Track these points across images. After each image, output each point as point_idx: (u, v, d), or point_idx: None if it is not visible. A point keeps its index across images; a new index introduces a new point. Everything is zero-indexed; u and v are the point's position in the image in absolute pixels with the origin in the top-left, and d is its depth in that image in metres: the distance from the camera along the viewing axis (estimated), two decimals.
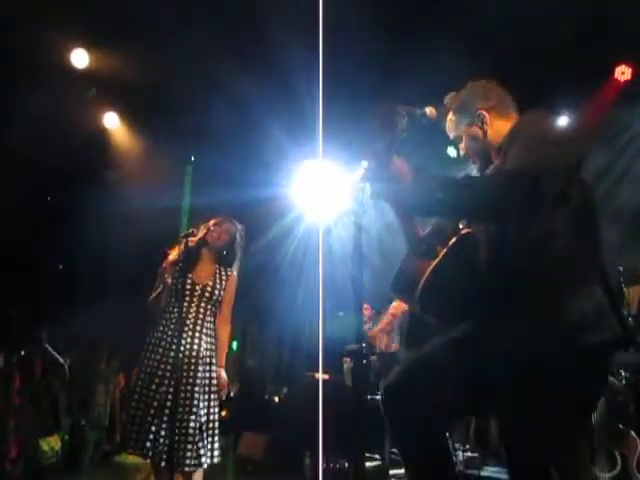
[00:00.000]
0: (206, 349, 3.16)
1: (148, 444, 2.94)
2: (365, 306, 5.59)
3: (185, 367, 3.05)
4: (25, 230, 6.36)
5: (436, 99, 1.98)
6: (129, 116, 6.60)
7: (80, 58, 5.77)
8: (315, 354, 4.52)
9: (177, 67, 5.30)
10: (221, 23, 4.91)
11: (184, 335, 3.09)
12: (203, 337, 3.17)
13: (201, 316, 3.20)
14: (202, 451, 3.01)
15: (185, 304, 3.16)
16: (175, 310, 3.13)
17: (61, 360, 5.94)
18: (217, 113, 5.68)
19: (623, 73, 5.75)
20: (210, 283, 3.26)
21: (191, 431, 2.97)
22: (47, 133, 5.76)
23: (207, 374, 3.13)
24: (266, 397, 7.19)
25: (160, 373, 3.05)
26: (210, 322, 3.24)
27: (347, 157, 5.24)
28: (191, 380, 3.05)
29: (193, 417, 3.00)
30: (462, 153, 1.94)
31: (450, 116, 1.93)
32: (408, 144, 1.85)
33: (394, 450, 3.65)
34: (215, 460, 3.09)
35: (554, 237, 1.58)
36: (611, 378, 3.44)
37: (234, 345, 7.91)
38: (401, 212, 1.87)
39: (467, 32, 4.86)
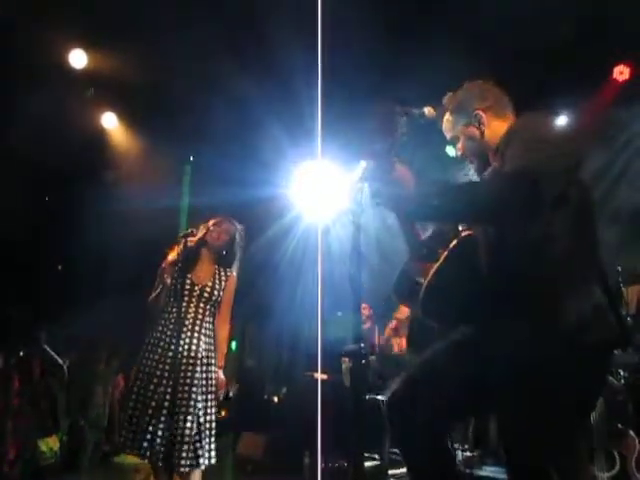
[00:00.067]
0: (205, 349, 3.16)
1: (145, 444, 2.93)
2: (364, 306, 5.59)
3: (183, 367, 3.05)
4: (24, 230, 6.35)
5: (435, 99, 1.98)
6: (127, 116, 6.60)
7: (78, 58, 5.78)
8: (314, 354, 4.52)
9: (176, 67, 5.30)
10: (220, 23, 4.91)
11: (183, 335, 3.09)
12: (202, 337, 3.16)
13: (200, 316, 3.20)
14: (200, 452, 3.00)
15: (184, 304, 3.15)
16: (174, 310, 3.13)
17: (60, 361, 5.93)
18: (216, 113, 5.68)
19: (622, 73, 5.76)
20: (209, 283, 3.26)
21: (188, 432, 2.97)
22: (46, 133, 5.76)
23: (205, 374, 3.13)
24: (265, 397, 7.19)
25: (158, 373, 3.05)
26: (209, 322, 3.24)
27: (346, 157, 5.25)
28: (189, 380, 3.04)
29: (191, 417, 2.99)
30: (459, 153, 1.94)
31: (447, 116, 1.93)
32: (407, 144, 1.86)
33: (393, 450, 3.65)
34: (212, 461, 3.09)
35: (553, 238, 1.58)
36: (610, 378, 3.44)
37: (233, 345, 7.91)
38: (402, 217, 1.87)
39: (467, 32, 4.87)
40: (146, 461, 3.11)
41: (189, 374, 3.06)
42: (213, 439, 3.11)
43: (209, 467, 3.13)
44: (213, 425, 3.12)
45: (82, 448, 5.68)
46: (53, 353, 5.89)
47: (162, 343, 3.11)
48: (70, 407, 5.84)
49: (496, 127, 1.84)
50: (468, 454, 4.38)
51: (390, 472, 3.54)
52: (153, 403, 2.99)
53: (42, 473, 4.79)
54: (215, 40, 4.95)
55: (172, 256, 3.16)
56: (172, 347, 3.03)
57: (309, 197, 6.57)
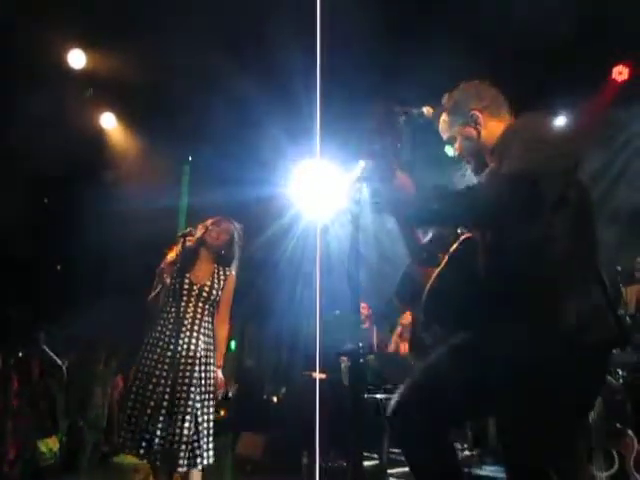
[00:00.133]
0: (204, 349, 3.16)
1: (144, 444, 2.93)
2: (362, 305, 5.60)
3: (182, 367, 3.05)
4: (23, 230, 6.35)
5: (434, 99, 1.98)
6: (126, 116, 6.60)
7: (77, 58, 5.77)
8: (313, 353, 4.52)
9: (174, 67, 5.30)
10: (219, 23, 4.91)
11: (182, 335, 3.09)
12: (201, 337, 3.16)
13: (199, 316, 3.20)
14: (198, 451, 3.00)
15: (183, 304, 3.15)
16: (173, 310, 3.12)
17: (59, 362, 5.93)
18: (215, 113, 5.68)
19: (621, 73, 5.77)
20: (208, 283, 3.25)
21: (186, 431, 2.96)
22: (45, 133, 5.75)
23: (204, 374, 3.13)
24: (264, 397, 7.19)
25: (157, 373, 3.05)
26: (208, 322, 3.24)
27: (345, 156, 5.25)
28: (187, 380, 3.04)
29: (189, 417, 2.99)
30: (456, 154, 1.94)
31: (443, 117, 1.94)
32: (406, 144, 1.86)
33: (392, 449, 3.65)
34: (210, 460, 3.09)
35: (553, 239, 1.58)
36: (608, 377, 3.45)
37: (232, 345, 7.91)
38: (402, 222, 1.88)
39: (466, 32, 4.87)
40: (145, 461, 3.11)
41: (188, 374, 3.06)
42: (211, 439, 3.11)
43: (208, 467, 3.13)
44: (211, 425, 3.12)
45: (81, 449, 5.67)
46: (52, 354, 5.88)
47: (161, 343, 3.11)
48: (69, 408, 5.83)
49: (493, 127, 1.84)
50: (467, 453, 4.38)
51: (389, 471, 3.54)
52: (152, 403, 2.99)
53: (42, 473, 4.78)
54: (213, 40, 4.95)
55: (171, 256, 3.16)
56: (171, 347, 3.02)
57: (308, 196, 6.57)
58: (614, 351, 1.68)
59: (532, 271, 1.57)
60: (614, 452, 3.03)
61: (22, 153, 5.76)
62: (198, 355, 3.11)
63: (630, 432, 3.08)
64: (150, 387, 3.02)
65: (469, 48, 4.82)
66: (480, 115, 1.85)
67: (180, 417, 2.96)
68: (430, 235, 1.91)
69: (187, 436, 2.96)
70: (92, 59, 5.79)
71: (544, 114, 1.85)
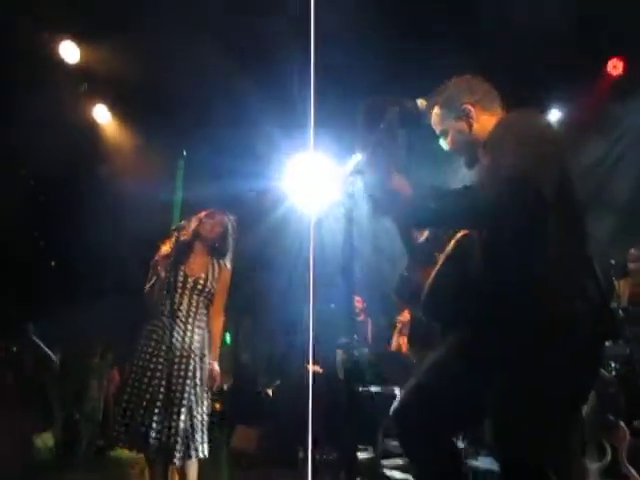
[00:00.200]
0: (199, 342, 3.16)
1: (140, 438, 2.93)
2: (357, 299, 5.60)
3: (177, 360, 3.05)
4: (16, 226, 6.32)
5: (429, 93, 1.98)
6: (120, 110, 6.56)
7: (71, 52, 5.73)
8: (308, 346, 4.53)
9: (169, 61, 5.27)
10: (214, 18, 4.88)
11: (176, 328, 3.09)
12: (196, 330, 3.16)
13: (193, 309, 3.19)
14: (192, 444, 3.01)
15: (177, 297, 3.15)
16: (167, 303, 3.12)
17: (52, 356, 5.92)
18: (209, 107, 5.66)
19: (615, 67, 5.78)
20: (203, 275, 3.25)
21: (182, 424, 2.97)
22: (38, 129, 5.72)
23: (199, 366, 3.13)
24: (259, 390, 7.20)
25: (152, 366, 3.05)
26: (203, 315, 3.24)
27: (338, 150, 5.24)
28: (182, 373, 3.04)
29: (185, 410, 3.00)
30: (448, 147, 1.95)
31: (436, 110, 1.94)
32: (399, 136, 1.86)
33: (386, 441, 3.67)
34: (206, 453, 3.09)
35: (548, 235, 1.59)
36: (601, 370, 3.47)
37: (227, 338, 7.92)
38: (400, 223, 1.88)
39: (461, 27, 4.87)
40: (141, 455, 3.12)
41: (183, 367, 3.06)
42: (206, 431, 3.11)
43: (204, 460, 3.14)
44: (206, 417, 3.13)
45: (77, 442, 5.67)
46: (45, 347, 5.87)
47: (155, 336, 3.11)
48: (65, 401, 5.83)
49: (485, 121, 1.86)
50: (461, 444, 4.40)
51: (383, 463, 3.56)
52: (147, 396, 2.99)
53: (38, 469, 4.78)
54: (209, 34, 4.92)
55: (165, 249, 3.15)
56: (166, 340, 3.02)
57: (302, 190, 6.57)
58: (607, 344, 1.69)
59: (527, 267, 1.58)
60: (606, 444, 3.05)
61: (16, 149, 5.73)
62: (193, 348, 3.11)
63: (622, 424, 3.10)
64: (145, 380, 3.03)
65: (464, 43, 4.82)
66: (472, 109, 1.87)
67: (176, 410, 2.96)
68: (426, 234, 1.92)
69: (183, 429, 2.96)
70: (86, 53, 5.75)
71: (536, 110, 1.86)
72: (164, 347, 3.03)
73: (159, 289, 3.18)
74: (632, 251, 4.63)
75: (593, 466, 3.02)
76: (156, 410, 2.93)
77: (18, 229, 6.32)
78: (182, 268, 3.20)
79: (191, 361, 3.09)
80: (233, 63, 5.07)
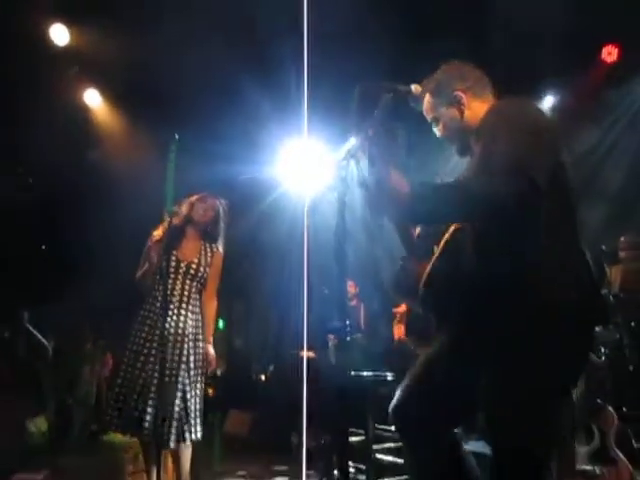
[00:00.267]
0: (192, 326, 3.17)
1: (134, 422, 2.96)
2: (350, 284, 5.61)
3: (171, 345, 3.06)
4: (5, 210, 6.26)
5: (423, 77, 1.97)
6: (111, 94, 6.49)
7: (60, 34, 5.65)
8: (301, 331, 4.54)
9: (161, 44, 5.20)
10: (206, 1, 4.82)
11: (170, 313, 3.10)
12: (189, 314, 3.17)
13: (186, 293, 3.20)
14: (186, 427, 3.03)
15: (170, 282, 3.15)
16: (160, 288, 3.12)
17: (44, 341, 5.92)
18: (201, 91, 5.61)
19: (610, 54, 5.76)
20: (195, 260, 3.25)
21: (177, 408, 2.99)
22: (27, 112, 5.66)
23: (193, 350, 3.14)
24: (252, 375, 7.24)
25: (146, 351, 3.06)
26: (196, 299, 3.24)
27: (332, 134, 5.22)
28: (177, 357, 3.06)
29: (180, 394, 3.01)
30: (439, 134, 1.95)
31: (427, 97, 1.94)
32: (393, 121, 1.85)
33: (378, 426, 3.70)
34: (199, 435, 3.11)
35: (541, 224, 1.59)
36: (591, 355, 3.50)
37: (220, 324, 7.93)
38: (396, 220, 1.88)
39: (454, 11, 4.84)
40: (135, 439, 3.13)
41: (177, 351, 3.07)
42: (200, 414, 3.13)
43: (197, 445, 3.16)
44: (199, 400, 3.14)
45: (70, 427, 5.69)
46: (37, 333, 5.87)
47: (149, 321, 3.12)
48: (57, 387, 5.84)
49: (476, 108, 1.85)
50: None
51: (375, 447, 3.59)
52: (141, 381, 3.01)
53: (31, 453, 4.79)
54: (201, 17, 4.86)
55: (157, 234, 3.15)
56: (159, 325, 3.03)
57: (295, 175, 6.55)
58: (597, 329, 1.71)
59: (520, 256, 1.58)
60: (595, 428, 3.09)
61: (4, 133, 5.67)
62: (187, 332, 3.12)
63: (610, 408, 3.14)
64: (139, 365, 3.04)
65: (457, 28, 4.79)
66: (464, 96, 1.86)
67: (170, 394, 2.98)
68: (418, 230, 1.92)
69: (177, 413, 2.98)
70: (75, 35, 5.67)
71: (528, 98, 1.85)
72: (157, 332, 3.04)
73: (152, 274, 3.18)
74: (623, 239, 4.65)
75: (581, 450, 3.06)
76: (150, 395, 2.94)
77: (7, 214, 6.27)
78: (174, 253, 3.20)
79: (185, 345, 3.10)
80: (226, 47, 5.02)
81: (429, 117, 1.96)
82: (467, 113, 1.86)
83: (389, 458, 3.69)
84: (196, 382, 3.13)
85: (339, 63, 4.72)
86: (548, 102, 6.13)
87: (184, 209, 3.28)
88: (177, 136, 6.75)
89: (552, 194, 1.58)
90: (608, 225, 5.26)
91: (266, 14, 4.66)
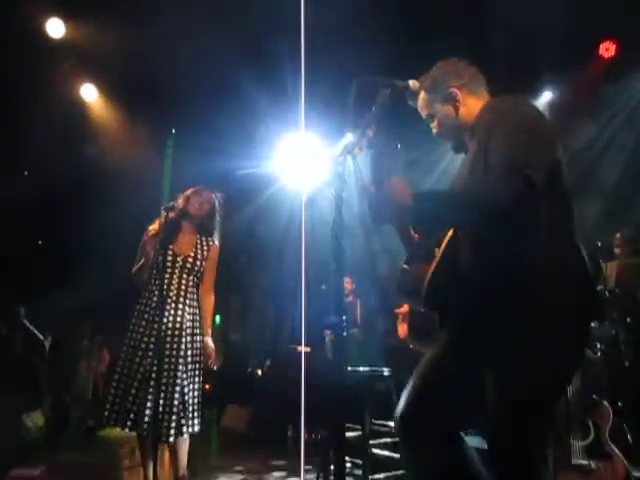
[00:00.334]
0: (190, 320, 3.17)
1: (132, 416, 2.96)
2: (346, 280, 5.63)
3: (169, 339, 3.05)
4: (2, 206, 6.25)
5: (420, 73, 1.97)
6: (108, 88, 6.46)
7: (56, 28, 5.62)
8: (298, 327, 4.55)
9: (158, 39, 5.18)
10: None
11: (167, 307, 3.09)
12: (186, 308, 3.17)
13: (183, 287, 3.19)
14: (183, 420, 3.03)
15: (167, 276, 3.14)
16: (157, 282, 3.12)
17: (41, 337, 5.92)
18: (199, 86, 5.59)
19: (607, 50, 5.76)
20: (191, 254, 3.25)
21: (176, 402, 2.99)
22: (23, 107, 5.63)
23: (191, 344, 3.14)
24: (249, 370, 7.25)
25: (143, 346, 3.06)
26: (193, 293, 3.24)
27: (329, 129, 5.22)
28: (175, 352, 3.05)
29: (178, 388, 3.01)
30: (435, 131, 1.95)
31: (422, 95, 1.93)
32: (390, 117, 1.85)
33: (374, 420, 3.71)
34: (196, 429, 3.12)
35: (538, 224, 1.59)
36: (587, 350, 3.51)
37: (217, 319, 7.94)
38: (399, 226, 1.89)
39: (453, 7, 4.83)
40: (132, 433, 3.13)
41: (175, 345, 3.07)
42: (197, 407, 3.13)
43: (194, 440, 3.16)
44: (197, 394, 3.15)
45: (67, 422, 5.70)
46: (34, 329, 5.86)
47: (146, 316, 3.12)
48: (54, 382, 5.85)
49: (471, 105, 1.85)
50: None
51: (371, 442, 3.60)
52: (139, 376, 3.00)
53: (28, 448, 4.79)
54: (198, 11, 4.84)
55: (153, 228, 3.14)
56: (157, 319, 3.02)
57: (292, 169, 6.54)
58: (592, 325, 1.71)
59: (517, 256, 1.58)
60: (590, 423, 3.11)
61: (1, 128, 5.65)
62: (184, 327, 3.12)
63: (606, 403, 3.15)
64: (137, 360, 3.04)
65: (455, 24, 4.78)
66: (459, 93, 1.86)
67: (170, 389, 2.98)
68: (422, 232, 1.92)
69: (176, 406, 2.98)
70: (71, 29, 5.64)
71: (523, 97, 1.85)
72: (155, 326, 3.03)
73: (148, 269, 3.17)
74: (618, 235, 4.67)
75: (577, 445, 3.08)
76: (149, 389, 2.94)
77: (4, 213, 6.25)
78: (171, 247, 3.19)
79: (183, 339, 3.10)
80: (223, 42, 5.00)
81: (424, 114, 1.95)
82: (462, 110, 1.86)
83: (385, 453, 3.71)
84: (194, 376, 3.14)
85: (336, 58, 4.71)
86: (546, 98, 6.13)
87: (180, 203, 3.27)
88: (174, 131, 6.75)
89: (548, 192, 1.58)
90: (604, 221, 5.27)
91: (264, 9, 4.64)
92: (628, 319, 4.16)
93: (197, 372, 3.16)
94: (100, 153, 6.69)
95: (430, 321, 1.90)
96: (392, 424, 3.72)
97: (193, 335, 3.17)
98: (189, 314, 3.17)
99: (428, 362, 1.81)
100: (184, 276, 3.20)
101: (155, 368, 2.94)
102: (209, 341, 3.24)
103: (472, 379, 1.65)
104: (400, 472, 3.44)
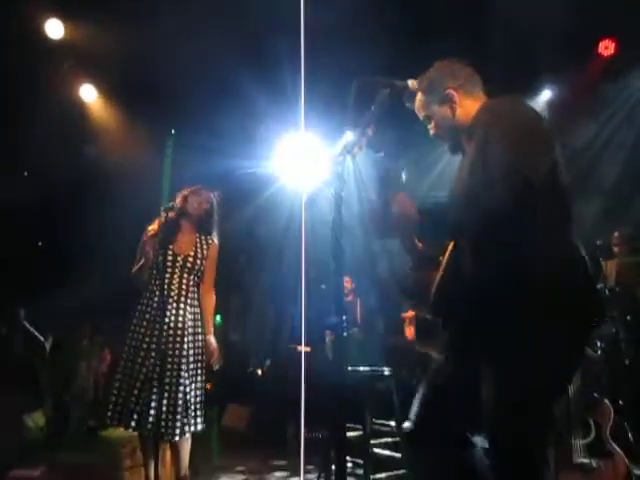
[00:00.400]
0: (191, 319, 3.17)
1: (136, 416, 2.96)
2: (346, 279, 5.63)
3: (171, 339, 3.06)
4: (1, 206, 6.25)
5: (419, 73, 1.97)
6: (107, 88, 6.46)
7: (55, 28, 5.62)
8: (298, 326, 4.55)
9: (157, 39, 5.18)
10: None
11: (168, 307, 3.10)
12: (188, 308, 3.17)
13: (184, 287, 3.20)
14: (185, 420, 3.04)
15: (167, 276, 3.15)
16: (158, 283, 3.12)
17: (41, 338, 5.92)
18: (198, 86, 5.59)
19: (607, 48, 5.76)
20: (191, 253, 3.25)
21: (180, 401, 2.99)
22: (23, 107, 5.63)
23: (193, 344, 3.15)
24: (249, 370, 7.26)
25: (145, 346, 3.06)
26: (194, 292, 3.24)
27: (329, 129, 5.22)
28: (177, 352, 3.06)
29: (181, 388, 3.02)
30: (432, 133, 1.95)
31: (419, 96, 1.93)
32: (390, 117, 1.85)
33: (375, 420, 3.72)
34: (199, 427, 3.12)
35: (538, 224, 1.60)
36: (587, 349, 3.52)
37: (218, 318, 7.94)
38: (404, 238, 1.90)
39: (452, 8, 4.83)
40: (134, 433, 3.13)
41: (177, 345, 3.07)
42: (200, 406, 3.14)
43: (195, 440, 3.16)
44: (199, 393, 3.15)
45: (67, 423, 5.70)
46: (34, 330, 5.86)
47: (148, 316, 3.12)
48: (54, 383, 5.85)
49: (468, 106, 1.85)
50: None
51: (372, 442, 3.61)
52: (142, 376, 3.01)
53: (29, 448, 4.79)
54: (197, 11, 4.84)
55: (152, 228, 3.14)
56: (158, 319, 3.03)
57: (292, 169, 6.54)
58: (593, 324, 1.71)
59: (518, 255, 1.58)
60: (591, 421, 3.11)
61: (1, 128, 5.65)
62: (186, 326, 3.12)
63: (607, 401, 3.16)
64: (139, 360, 3.04)
65: (455, 24, 4.78)
66: (455, 94, 1.86)
67: (173, 388, 2.99)
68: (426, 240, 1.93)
69: (180, 406, 2.99)
70: (70, 29, 5.64)
71: (520, 98, 1.85)
72: (157, 327, 3.04)
73: (148, 269, 3.17)
74: (616, 234, 4.67)
75: (578, 443, 3.08)
76: (152, 389, 2.94)
77: (4, 214, 6.24)
78: (170, 247, 3.20)
79: (185, 339, 3.10)
80: (223, 42, 5.00)
81: (421, 115, 1.95)
82: (459, 111, 1.86)
83: (387, 452, 3.71)
84: (196, 375, 3.14)
85: (336, 59, 4.71)
86: (545, 96, 6.13)
87: (177, 202, 3.27)
88: (174, 131, 6.74)
89: (546, 192, 1.59)
90: (604, 219, 5.28)
91: (263, 9, 4.64)
92: (628, 317, 4.16)
93: (199, 371, 3.17)
94: (100, 153, 6.69)
95: (436, 324, 1.91)
96: (393, 424, 3.74)
97: (195, 334, 3.18)
98: (190, 313, 3.18)
99: (434, 366, 1.82)
100: (185, 275, 3.21)
101: (158, 368, 2.95)
102: (212, 339, 3.24)
103: (475, 380, 1.65)
104: (401, 471, 3.45)
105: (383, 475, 3.50)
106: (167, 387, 2.97)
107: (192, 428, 3.08)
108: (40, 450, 4.77)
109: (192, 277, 3.23)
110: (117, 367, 3.15)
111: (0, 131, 5.73)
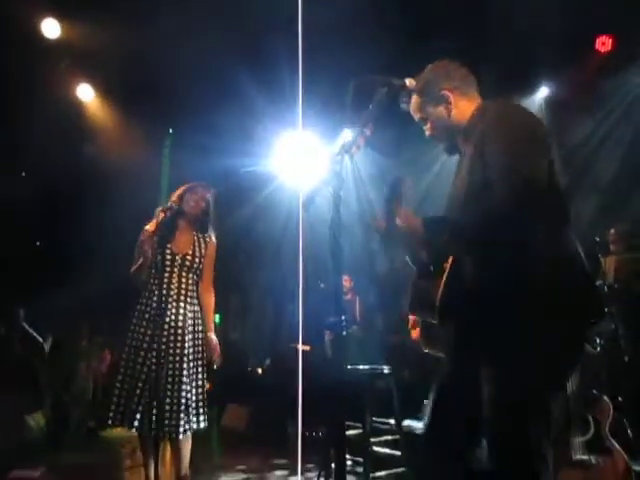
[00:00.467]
0: (191, 318, 3.17)
1: (137, 416, 2.96)
2: (345, 278, 5.63)
3: (172, 338, 3.06)
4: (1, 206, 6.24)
5: (417, 72, 1.97)
6: (104, 88, 6.45)
7: (51, 28, 5.60)
8: (297, 325, 4.55)
9: (155, 38, 5.17)
10: None
11: (168, 306, 3.10)
12: (187, 306, 3.17)
13: (184, 285, 3.20)
14: (189, 418, 3.04)
15: (166, 275, 3.15)
16: (157, 282, 3.12)
17: (39, 339, 5.92)
18: (196, 84, 5.58)
19: (604, 44, 5.76)
20: (190, 252, 3.25)
21: (182, 400, 2.99)
22: (19, 107, 5.62)
23: (193, 342, 3.15)
24: (249, 369, 7.26)
25: (145, 346, 3.05)
26: (193, 291, 3.24)
27: (327, 128, 5.22)
28: (178, 351, 3.06)
29: (183, 387, 3.02)
30: (427, 134, 1.95)
31: (414, 97, 1.94)
32: (388, 115, 1.86)
33: (375, 418, 3.72)
34: (202, 425, 3.13)
35: (538, 224, 1.60)
36: (586, 346, 3.52)
37: (217, 318, 7.94)
38: (408, 249, 1.91)
39: (450, 4, 4.82)
40: (134, 432, 3.13)
41: (178, 344, 3.07)
42: (201, 405, 3.14)
43: (195, 439, 3.17)
44: (200, 391, 3.15)
45: (67, 423, 5.70)
46: (32, 331, 5.86)
47: (147, 315, 3.11)
48: (54, 383, 5.84)
49: (463, 107, 1.86)
50: None
51: (372, 440, 3.61)
52: (143, 376, 3.01)
53: (29, 448, 4.80)
54: (196, 10, 4.83)
55: (150, 228, 3.14)
56: (158, 318, 3.03)
57: (290, 168, 6.55)
58: (592, 323, 1.72)
59: (518, 256, 1.59)
60: (590, 418, 3.11)
61: None
62: (186, 325, 3.13)
63: (606, 398, 3.16)
64: (140, 360, 3.04)
65: (452, 21, 4.78)
66: (451, 95, 1.87)
67: (175, 387, 2.99)
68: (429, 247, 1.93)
69: (183, 404, 2.99)
70: (67, 29, 5.63)
71: (518, 105, 1.85)
72: (157, 326, 3.03)
73: (147, 268, 3.17)
74: (612, 231, 4.67)
75: (577, 440, 3.08)
76: (154, 389, 2.94)
77: (2, 214, 6.23)
78: (169, 246, 3.19)
79: (185, 338, 3.10)
80: (221, 41, 4.99)
81: (417, 117, 1.96)
82: (454, 112, 1.86)
83: (386, 450, 3.71)
84: (196, 373, 3.15)
85: (334, 58, 4.71)
86: (543, 93, 6.14)
87: (174, 201, 3.26)
88: (171, 130, 6.73)
89: (545, 191, 1.59)
90: (602, 216, 5.28)
91: (262, 8, 4.64)
92: (627, 314, 4.17)
93: (200, 369, 3.18)
94: (97, 153, 6.68)
95: (437, 327, 1.91)
96: (393, 422, 3.74)
97: (195, 333, 3.18)
98: (190, 312, 3.18)
99: (441, 384, 1.82)
100: (184, 274, 3.21)
101: (158, 368, 2.94)
102: (212, 336, 3.25)
103: (477, 379, 1.65)
104: (401, 469, 3.45)
105: (383, 473, 3.50)
106: (169, 387, 2.97)
107: (195, 426, 3.08)
108: (40, 450, 4.77)
109: (191, 276, 3.23)
110: (118, 367, 3.14)
111: None
